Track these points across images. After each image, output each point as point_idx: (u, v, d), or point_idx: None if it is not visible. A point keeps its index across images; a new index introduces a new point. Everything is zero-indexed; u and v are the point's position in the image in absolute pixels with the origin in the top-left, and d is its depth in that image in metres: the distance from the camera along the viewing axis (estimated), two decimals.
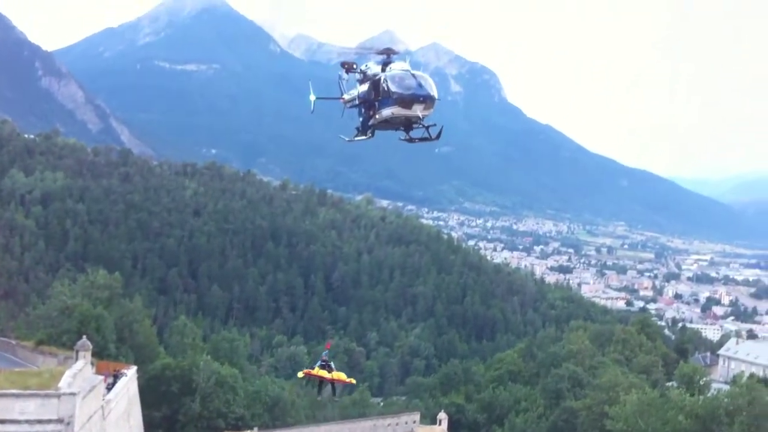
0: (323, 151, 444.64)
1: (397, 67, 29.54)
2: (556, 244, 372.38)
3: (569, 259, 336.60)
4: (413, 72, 28.79)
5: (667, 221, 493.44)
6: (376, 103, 29.73)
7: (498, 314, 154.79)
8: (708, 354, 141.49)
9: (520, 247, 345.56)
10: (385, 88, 28.58)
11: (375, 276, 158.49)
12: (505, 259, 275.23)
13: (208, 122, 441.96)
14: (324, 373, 33.33)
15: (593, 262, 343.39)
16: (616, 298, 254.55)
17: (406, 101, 28.06)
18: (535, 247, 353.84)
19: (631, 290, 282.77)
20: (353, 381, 35.16)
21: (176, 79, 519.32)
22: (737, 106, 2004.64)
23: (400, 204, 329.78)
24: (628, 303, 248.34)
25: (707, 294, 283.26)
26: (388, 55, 30.03)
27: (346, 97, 36.63)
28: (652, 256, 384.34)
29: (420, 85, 28.02)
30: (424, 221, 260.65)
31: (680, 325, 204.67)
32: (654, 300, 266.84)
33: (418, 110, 28.57)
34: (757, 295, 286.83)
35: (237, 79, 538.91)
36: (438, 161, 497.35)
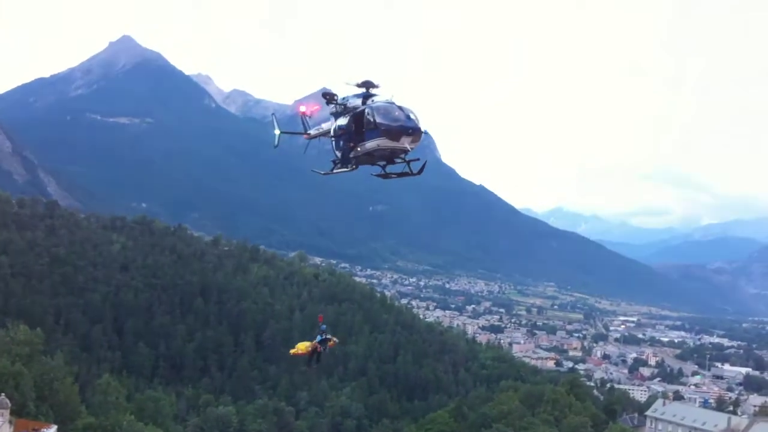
0: (256, 208, 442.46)
1: (380, 99, 29.28)
2: (487, 304, 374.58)
3: (500, 319, 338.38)
4: (399, 105, 28.58)
5: (596, 283, 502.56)
6: (358, 136, 29.29)
7: (430, 374, 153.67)
8: (636, 415, 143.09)
9: (453, 306, 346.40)
10: (371, 120, 28.04)
11: (307, 334, 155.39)
12: (438, 318, 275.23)
13: (139, 176, 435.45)
14: (308, 346, 33.29)
15: (524, 322, 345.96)
16: (546, 359, 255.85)
17: (394, 133, 27.56)
18: (467, 307, 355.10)
19: (561, 350, 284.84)
20: (336, 341, 34.75)
21: (108, 132, 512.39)
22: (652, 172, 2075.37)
23: (333, 261, 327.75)
24: (558, 363, 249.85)
25: (634, 355, 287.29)
26: (367, 89, 29.78)
27: (312, 132, 36.37)
28: (581, 316, 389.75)
29: (408, 117, 27.70)
30: (357, 279, 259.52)
31: (608, 385, 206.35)
32: (583, 360, 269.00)
33: (405, 143, 28.21)
34: (682, 357, 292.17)
35: (170, 133, 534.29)
36: (372, 220, 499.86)
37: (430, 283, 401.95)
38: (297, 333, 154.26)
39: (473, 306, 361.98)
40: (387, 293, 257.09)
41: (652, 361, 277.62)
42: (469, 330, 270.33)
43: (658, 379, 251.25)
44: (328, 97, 30.24)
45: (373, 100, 29.20)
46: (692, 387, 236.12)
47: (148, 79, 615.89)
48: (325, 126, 34.75)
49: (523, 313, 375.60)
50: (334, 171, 32.47)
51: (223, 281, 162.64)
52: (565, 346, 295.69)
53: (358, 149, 29.51)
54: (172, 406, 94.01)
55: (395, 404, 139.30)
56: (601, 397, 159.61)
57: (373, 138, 28.46)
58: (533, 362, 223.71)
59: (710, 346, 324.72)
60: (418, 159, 29.83)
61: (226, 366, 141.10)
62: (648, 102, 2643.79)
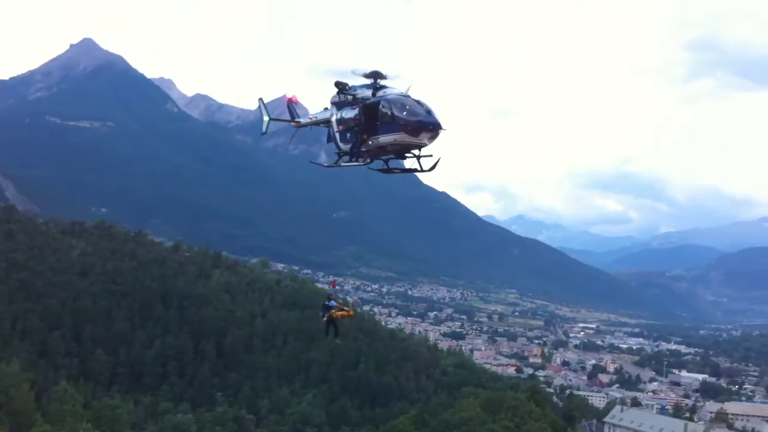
0: (219, 214, 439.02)
1: (392, 91, 28.54)
2: (449, 311, 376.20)
3: (462, 326, 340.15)
4: (416, 98, 27.86)
5: (557, 290, 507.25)
6: (371, 129, 28.49)
7: (391, 381, 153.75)
8: (594, 421, 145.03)
9: (415, 312, 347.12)
10: (388, 113, 27.31)
11: (268, 341, 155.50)
12: (400, 324, 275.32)
13: (99, 180, 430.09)
14: (341, 312, 32.95)
15: (485, 328, 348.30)
16: (507, 365, 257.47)
17: (414, 128, 26.92)
18: (429, 313, 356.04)
19: (521, 357, 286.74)
20: (352, 312, 34.33)
21: (68, 135, 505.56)
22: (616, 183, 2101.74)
23: (296, 268, 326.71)
24: (518, 370, 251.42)
25: (593, 362, 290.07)
26: (375, 80, 29.09)
27: (304, 120, 35.32)
28: (541, 323, 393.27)
29: (429, 113, 27.07)
30: (319, 285, 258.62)
31: (568, 392, 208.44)
32: (543, 367, 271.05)
33: (424, 138, 27.56)
34: (640, 364, 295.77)
35: (132, 137, 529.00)
36: (335, 226, 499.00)
37: (393, 290, 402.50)
38: (258, 340, 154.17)
39: (435, 313, 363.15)
40: (349, 300, 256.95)
41: (611, 368, 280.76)
42: (431, 337, 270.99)
43: (617, 385, 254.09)
44: (341, 86, 29.56)
45: (385, 92, 28.55)
46: (650, 393, 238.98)
47: (110, 82, 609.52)
48: (321, 116, 33.92)
49: (485, 319, 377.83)
50: (341, 164, 31.54)
51: (183, 287, 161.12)
52: (526, 353, 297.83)
53: (370, 143, 28.83)
54: (129, 413, 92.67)
55: (357, 411, 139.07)
56: (561, 404, 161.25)
57: (389, 132, 27.70)
58: (494, 369, 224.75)
59: (668, 352, 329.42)
60: (431, 155, 29.16)
61: (186, 373, 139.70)
62: (609, 111, 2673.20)
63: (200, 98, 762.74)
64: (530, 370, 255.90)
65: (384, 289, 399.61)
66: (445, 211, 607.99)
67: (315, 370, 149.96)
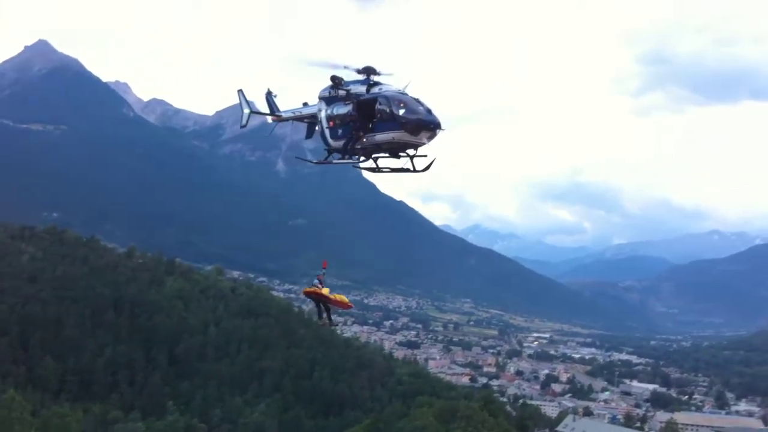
0: (174, 220, 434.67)
1: (389, 88, 27.66)
2: (405, 320, 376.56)
3: (417, 335, 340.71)
4: (414, 96, 27.08)
5: (511, 299, 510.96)
6: (366, 126, 27.57)
7: (346, 390, 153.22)
8: (547, 431, 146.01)
9: (370, 321, 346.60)
10: (386, 111, 26.49)
11: (222, 349, 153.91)
12: (355, 333, 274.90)
13: (51, 184, 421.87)
14: (327, 294, 31.31)
15: (440, 337, 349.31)
16: (461, 374, 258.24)
17: (414, 127, 26.20)
18: (384, 322, 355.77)
19: (476, 366, 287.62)
20: (352, 305, 33.00)
21: (20, 138, 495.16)
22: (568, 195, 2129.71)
23: (251, 275, 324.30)
24: (473, 379, 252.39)
25: (546, 371, 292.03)
26: (368, 76, 28.30)
27: (286, 115, 34.06)
28: (496, 333, 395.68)
29: (429, 111, 26.39)
30: (275, 293, 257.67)
31: (521, 401, 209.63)
32: (497, 376, 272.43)
33: (423, 138, 26.86)
34: (592, 373, 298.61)
35: (85, 141, 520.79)
36: (292, 233, 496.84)
37: (349, 298, 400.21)
38: (212, 348, 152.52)
39: (391, 321, 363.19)
40: (305, 308, 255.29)
41: (564, 378, 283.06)
42: (386, 345, 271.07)
43: (569, 395, 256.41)
44: (337, 80, 28.61)
45: (381, 89, 27.79)
46: (601, 403, 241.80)
47: (64, 85, 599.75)
48: (306, 111, 32.90)
49: (440, 329, 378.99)
50: (333, 161, 30.43)
51: (136, 294, 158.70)
52: (480, 362, 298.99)
53: (365, 140, 27.97)
54: (79, 422, 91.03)
55: (311, 421, 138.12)
56: (514, 413, 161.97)
57: (387, 130, 26.85)
58: (448, 378, 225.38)
59: (619, 362, 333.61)
60: (426, 155, 28.35)
61: (137, 381, 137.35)
62: (563, 122, 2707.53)
63: (156, 103, 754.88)
64: (484, 380, 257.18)
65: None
66: (403, 220, 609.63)
67: (268, 378, 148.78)
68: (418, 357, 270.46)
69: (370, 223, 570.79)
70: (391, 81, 28.00)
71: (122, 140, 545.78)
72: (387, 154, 28.63)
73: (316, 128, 31.30)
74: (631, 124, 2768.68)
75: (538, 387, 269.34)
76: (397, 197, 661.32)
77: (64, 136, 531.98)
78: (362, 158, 28.74)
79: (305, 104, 32.97)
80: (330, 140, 29.90)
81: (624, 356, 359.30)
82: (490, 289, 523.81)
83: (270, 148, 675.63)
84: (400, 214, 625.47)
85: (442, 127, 26.46)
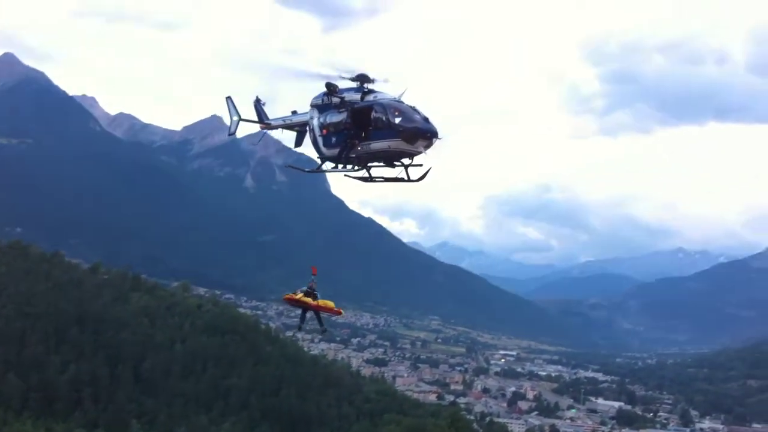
0: (140, 236, 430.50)
1: (384, 96, 27.31)
2: (373, 337, 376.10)
3: (385, 352, 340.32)
4: (410, 104, 26.75)
5: (479, 317, 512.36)
6: (362, 134, 27.14)
7: (313, 407, 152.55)
8: None
9: (338, 338, 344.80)
10: (382, 119, 26.16)
11: (187, 366, 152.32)
12: (323, 350, 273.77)
13: (15, 199, 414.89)
14: (309, 300, 30.97)
15: (408, 355, 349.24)
16: (429, 392, 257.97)
17: (411, 135, 25.89)
18: (352, 340, 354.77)
19: (443, 384, 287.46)
20: (342, 312, 32.56)
21: None
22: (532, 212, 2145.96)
23: (218, 292, 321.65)
24: (440, 397, 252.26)
25: (513, 389, 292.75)
26: (362, 83, 28.02)
27: (275, 123, 33.57)
28: (463, 350, 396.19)
29: (426, 120, 26.12)
30: (242, 310, 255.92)
31: (488, 419, 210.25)
32: (464, 394, 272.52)
33: (420, 146, 26.56)
34: (558, 391, 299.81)
35: (50, 155, 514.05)
36: (259, 250, 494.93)
37: (321, 315, 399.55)
38: (177, 365, 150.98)
39: (359, 339, 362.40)
40: (272, 325, 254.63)
41: (530, 395, 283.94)
42: (354, 363, 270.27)
43: (536, 412, 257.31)
44: (332, 87, 28.17)
45: (376, 97, 27.43)
46: (568, 420, 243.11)
47: (30, 98, 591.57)
48: (297, 118, 32.44)
49: (408, 346, 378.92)
50: (325, 170, 29.87)
51: (100, 310, 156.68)
52: (447, 380, 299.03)
53: (360, 148, 27.54)
54: None
55: None
56: (481, 431, 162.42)
57: (383, 138, 26.38)
58: (416, 396, 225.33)
59: (585, 380, 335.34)
60: (421, 165, 27.99)
61: (101, 399, 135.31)
62: (531, 140, 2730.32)
63: (124, 117, 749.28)
64: (451, 397, 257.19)
65: (308, 315, 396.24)
66: (371, 237, 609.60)
67: (235, 396, 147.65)
68: (385, 374, 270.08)
69: (338, 239, 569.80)
70: (385, 89, 27.90)
71: (89, 155, 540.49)
72: (382, 163, 28.47)
73: (308, 136, 30.98)
74: (597, 142, 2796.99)
75: (504, 404, 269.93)
76: (366, 214, 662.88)
77: (29, 150, 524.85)
78: (357, 167, 28.53)
79: (294, 112, 32.77)
80: (323, 148, 29.56)
81: (590, 374, 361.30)
82: (458, 307, 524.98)
83: (239, 163, 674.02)
84: (369, 230, 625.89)
85: (439, 136, 26.36)
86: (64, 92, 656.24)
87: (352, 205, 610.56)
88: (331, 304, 32.59)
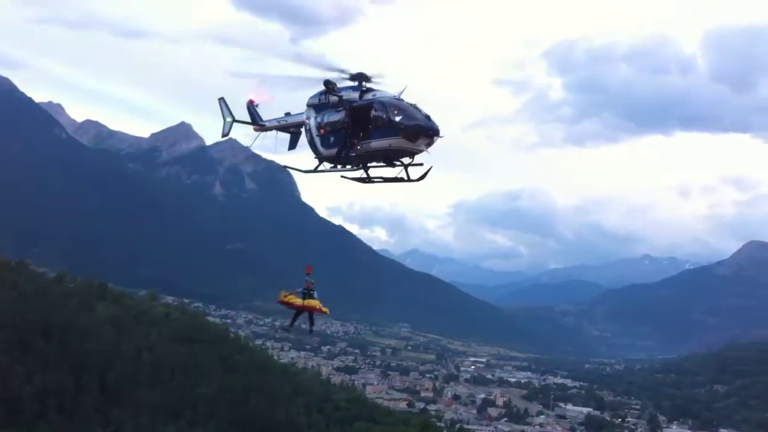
0: (107, 244, 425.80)
1: (383, 94, 26.65)
2: (343, 345, 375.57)
3: (355, 360, 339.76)
4: (411, 102, 26.11)
5: (449, 323, 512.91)
6: (361, 133, 26.49)
7: (283, 416, 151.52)
8: None
9: (308, 347, 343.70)
10: (383, 117, 25.52)
11: (155, 376, 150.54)
12: (293, 358, 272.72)
13: None
14: (298, 301, 30.65)
15: (378, 362, 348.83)
16: (399, 399, 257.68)
17: (412, 133, 25.27)
18: (322, 347, 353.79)
19: (413, 391, 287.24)
20: (327, 311, 32.31)
21: None
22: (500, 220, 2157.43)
23: (186, 300, 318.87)
24: (410, 404, 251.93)
25: (483, 395, 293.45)
26: (360, 82, 27.42)
27: (270, 124, 32.84)
28: (433, 357, 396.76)
29: (428, 117, 25.54)
30: (210, 319, 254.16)
31: (458, 426, 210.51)
32: (434, 401, 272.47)
33: (422, 144, 25.99)
34: (528, 397, 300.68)
35: (15, 162, 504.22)
36: (229, 258, 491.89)
37: (286, 324, 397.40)
38: (144, 375, 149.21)
39: (329, 347, 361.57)
40: (241, 333, 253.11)
41: (500, 402, 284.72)
42: (324, 371, 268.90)
43: (505, 419, 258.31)
44: (330, 86, 27.52)
45: (375, 95, 26.88)
46: (537, 426, 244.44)
47: None
48: (292, 119, 31.79)
49: (378, 354, 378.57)
50: (323, 170, 29.12)
51: (66, 320, 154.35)
52: (418, 387, 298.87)
53: (359, 147, 26.91)
54: None
55: None
56: None
57: (384, 136, 25.74)
58: (386, 403, 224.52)
59: (555, 386, 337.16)
60: (422, 164, 27.44)
61: (67, 409, 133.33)
62: (499, 147, 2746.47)
63: (91, 124, 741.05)
64: (422, 405, 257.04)
65: (277, 323, 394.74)
66: (341, 244, 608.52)
67: (203, 405, 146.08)
68: (355, 382, 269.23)
69: (308, 247, 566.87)
70: (385, 87, 27.44)
71: (54, 162, 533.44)
72: (382, 163, 27.98)
73: (305, 137, 30.36)
74: (566, 150, 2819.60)
75: (474, 411, 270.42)
76: (336, 221, 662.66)
77: None
78: (357, 167, 28.01)
79: (287, 114, 32.28)
80: (321, 148, 29.02)
81: (559, 380, 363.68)
82: (428, 314, 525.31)
83: (207, 171, 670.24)
84: (339, 238, 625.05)
85: (441, 134, 25.91)
86: (29, 99, 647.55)
87: (322, 212, 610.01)
88: (315, 303, 32.53)
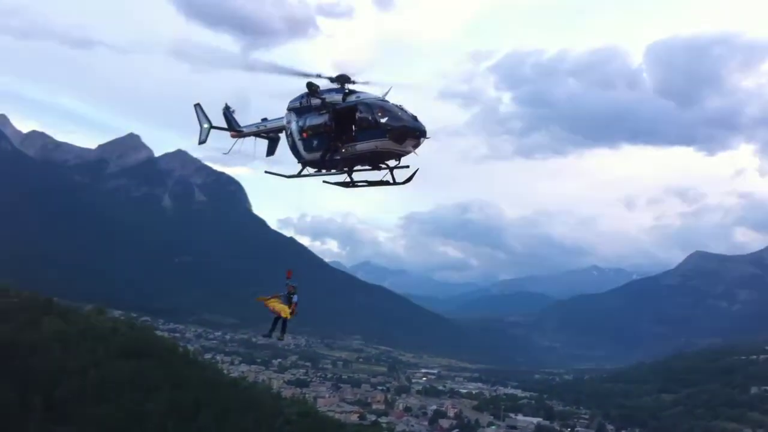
0: (52, 258, 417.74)
1: (367, 96, 26.18)
2: (294, 358, 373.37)
3: (306, 373, 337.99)
4: (396, 103, 25.72)
5: (401, 336, 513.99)
6: (346, 136, 25.97)
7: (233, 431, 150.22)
8: None
9: (259, 360, 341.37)
10: (369, 119, 25.11)
11: (102, 392, 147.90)
12: (243, 372, 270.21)
13: None
14: (276, 306, 30.54)
15: (329, 375, 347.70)
16: (351, 412, 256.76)
17: (399, 135, 24.92)
18: (273, 361, 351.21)
19: (365, 404, 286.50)
20: (288, 316, 32.16)
21: None
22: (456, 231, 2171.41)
23: (134, 315, 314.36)
24: (362, 417, 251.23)
25: (435, 407, 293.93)
26: (342, 84, 27.02)
27: (248, 130, 32.15)
28: (385, 369, 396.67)
29: (414, 118, 25.23)
30: (159, 333, 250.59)
31: None
32: (386, 413, 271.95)
33: (409, 146, 25.66)
34: (479, 408, 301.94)
35: None
36: (177, 271, 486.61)
37: (237, 337, 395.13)
38: (91, 391, 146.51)
39: (280, 360, 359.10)
40: (190, 348, 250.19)
41: (451, 413, 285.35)
42: (275, 385, 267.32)
43: (457, 430, 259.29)
44: (313, 88, 27.03)
45: (358, 96, 26.53)
46: None
47: None
48: (271, 124, 31.13)
49: (329, 366, 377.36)
50: (310, 175, 28.45)
51: (10, 336, 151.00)
52: (369, 399, 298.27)
53: (344, 150, 26.50)
54: None
55: None
56: None
57: (369, 138, 25.36)
58: (338, 416, 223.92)
59: (505, 396, 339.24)
60: (408, 166, 27.17)
61: (11, 427, 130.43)
62: (450, 158, 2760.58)
63: (37, 135, 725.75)
64: (373, 417, 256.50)
65: (227, 336, 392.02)
66: (292, 256, 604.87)
67: (151, 422, 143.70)
68: (307, 395, 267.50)
69: (259, 260, 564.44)
70: (368, 89, 27.19)
71: None
72: (367, 166, 27.67)
73: (286, 142, 29.75)
74: (515, 163, 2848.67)
75: (426, 423, 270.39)
76: (287, 233, 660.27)
77: None
78: (342, 170, 27.64)
79: (264, 119, 31.83)
80: (303, 153, 28.48)
81: (510, 390, 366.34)
82: (380, 326, 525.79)
83: (156, 183, 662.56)
84: (290, 250, 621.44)
85: (428, 135, 25.76)
86: None
87: (274, 224, 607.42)
88: (279, 308, 32.73)
